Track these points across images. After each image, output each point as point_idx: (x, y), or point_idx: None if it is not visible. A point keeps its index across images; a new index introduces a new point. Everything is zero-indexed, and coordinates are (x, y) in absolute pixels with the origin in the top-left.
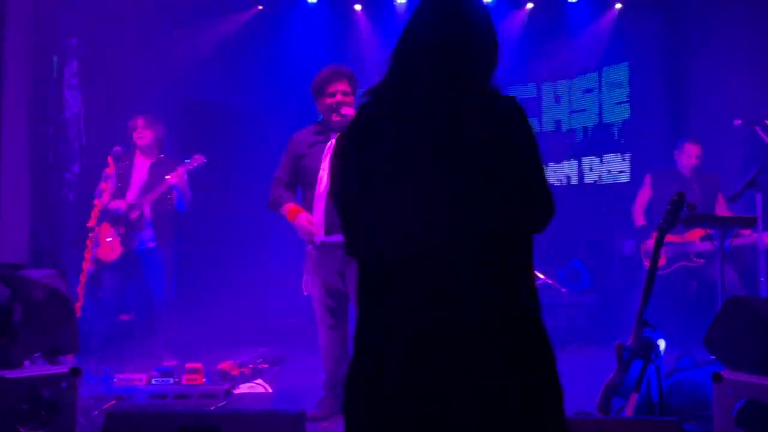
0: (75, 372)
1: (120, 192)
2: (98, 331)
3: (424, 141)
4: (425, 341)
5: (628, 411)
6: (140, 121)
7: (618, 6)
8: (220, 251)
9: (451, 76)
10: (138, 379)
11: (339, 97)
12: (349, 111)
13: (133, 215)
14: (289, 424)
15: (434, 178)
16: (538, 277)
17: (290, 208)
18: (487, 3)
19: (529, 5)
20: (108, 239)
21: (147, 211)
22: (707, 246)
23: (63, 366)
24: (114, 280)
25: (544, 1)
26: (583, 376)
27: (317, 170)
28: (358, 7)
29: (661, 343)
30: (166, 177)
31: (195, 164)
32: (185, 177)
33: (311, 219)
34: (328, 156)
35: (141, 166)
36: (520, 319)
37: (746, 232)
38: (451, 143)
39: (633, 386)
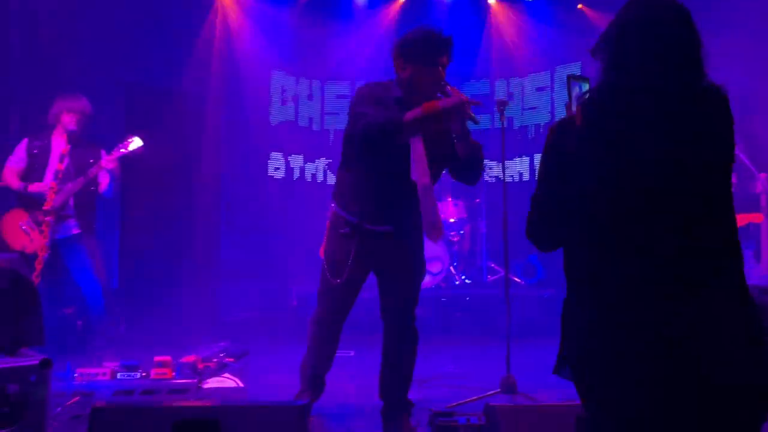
0: (45, 364)
1: (36, 175)
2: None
3: (656, 139)
4: (666, 292)
5: None
6: (70, 101)
7: (579, 6)
8: (166, 240)
9: (676, 75)
10: (101, 373)
11: (443, 73)
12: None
13: (57, 201)
14: (295, 417)
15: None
16: (496, 271)
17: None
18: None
19: (491, 1)
20: (23, 227)
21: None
22: None
23: (31, 358)
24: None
25: None
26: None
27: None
28: None
29: None
30: (95, 161)
31: (131, 148)
32: (117, 161)
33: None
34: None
35: (59, 148)
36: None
37: None
38: (683, 142)
39: None
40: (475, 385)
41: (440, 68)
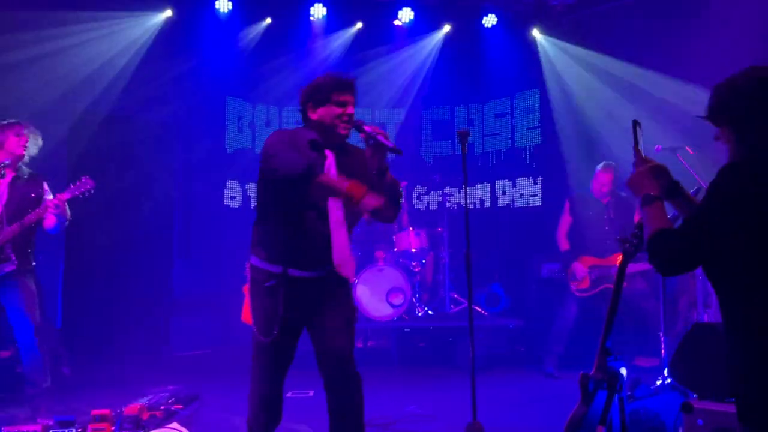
0: None
1: None
2: None
3: None
4: None
5: None
6: (17, 126)
7: (534, 32)
8: (114, 274)
9: None
10: (32, 431)
11: (350, 109)
12: (347, 129)
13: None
14: None
15: None
16: (459, 301)
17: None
18: (405, 24)
19: (446, 28)
20: None
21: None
22: (630, 269)
23: None
24: None
25: (460, 25)
26: (521, 400)
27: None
28: (269, 20)
29: (623, 371)
30: (37, 195)
31: (82, 189)
32: (65, 203)
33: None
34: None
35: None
36: None
37: None
38: None
39: (598, 419)
40: (439, 428)
41: (349, 106)
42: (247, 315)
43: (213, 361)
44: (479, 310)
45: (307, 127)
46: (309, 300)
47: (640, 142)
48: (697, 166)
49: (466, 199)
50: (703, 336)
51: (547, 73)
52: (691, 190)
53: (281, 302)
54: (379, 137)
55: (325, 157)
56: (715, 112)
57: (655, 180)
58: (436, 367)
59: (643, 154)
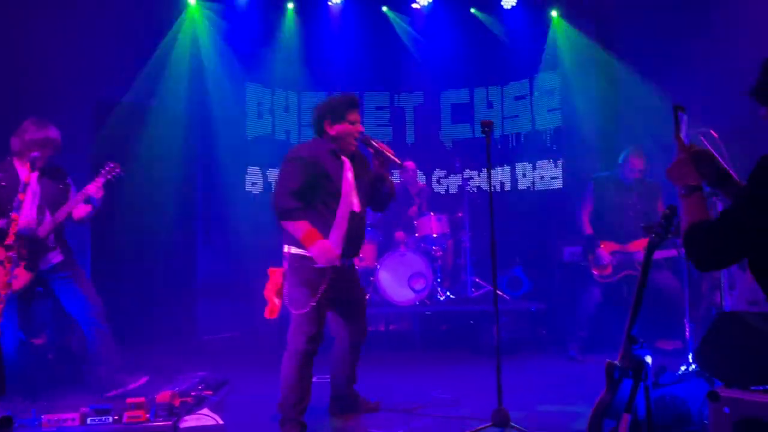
0: (6, 423)
1: (3, 208)
2: (10, 363)
3: None
4: None
5: None
6: (37, 132)
7: (554, 13)
8: (140, 260)
9: None
10: (70, 419)
11: (360, 127)
12: (357, 142)
13: (42, 232)
14: None
15: None
16: (480, 285)
17: (308, 230)
18: (423, 6)
19: (464, 9)
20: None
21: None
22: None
23: None
24: (14, 308)
25: (480, 7)
26: (545, 384)
27: (339, 191)
28: (291, 5)
29: (648, 359)
30: (64, 187)
31: (112, 174)
32: (102, 189)
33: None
34: (351, 179)
35: (26, 176)
36: None
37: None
38: None
39: (623, 406)
40: (464, 414)
41: (358, 123)
42: (270, 292)
43: (238, 344)
44: (501, 293)
45: (324, 139)
46: (343, 284)
47: (683, 128)
48: (722, 150)
49: (490, 189)
50: (729, 324)
51: (566, 54)
52: None
53: (325, 286)
54: (385, 153)
55: (342, 163)
56: (764, 89)
57: (696, 169)
58: (458, 350)
59: (684, 141)
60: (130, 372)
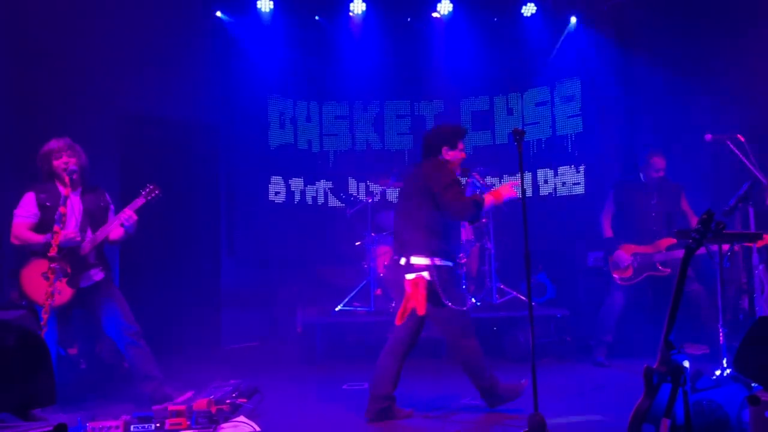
0: (61, 430)
1: (49, 226)
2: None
3: None
4: None
5: None
6: (65, 146)
7: (573, 20)
8: (165, 270)
9: None
10: (114, 426)
11: (464, 154)
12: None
13: (84, 249)
14: None
15: None
16: (506, 292)
17: (484, 199)
18: (444, 16)
19: (485, 18)
20: (45, 279)
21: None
22: (673, 255)
23: (45, 423)
24: (54, 322)
25: (500, 14)
26: (574, 390)
27: None
28: (309, 18)
29: (686, 364)
30: (105, 204)
31: (151, 195)
32: (135, 214)
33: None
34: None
35: (66, 191)
36: None
37: None
38: None
39: (662, 411)
40: (498, 419)
41: (463, 152)
42: (414, 302)
43: (262, 353)
44: (525, 299)
45: (444, 164)
46: None
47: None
48: (749, 155)
49: (523, 195)
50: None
51: (586, 61)
52: (745, 183)
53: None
54: (483, 186)
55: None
56: None
57: None
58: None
59: None
60: (176, 387)
